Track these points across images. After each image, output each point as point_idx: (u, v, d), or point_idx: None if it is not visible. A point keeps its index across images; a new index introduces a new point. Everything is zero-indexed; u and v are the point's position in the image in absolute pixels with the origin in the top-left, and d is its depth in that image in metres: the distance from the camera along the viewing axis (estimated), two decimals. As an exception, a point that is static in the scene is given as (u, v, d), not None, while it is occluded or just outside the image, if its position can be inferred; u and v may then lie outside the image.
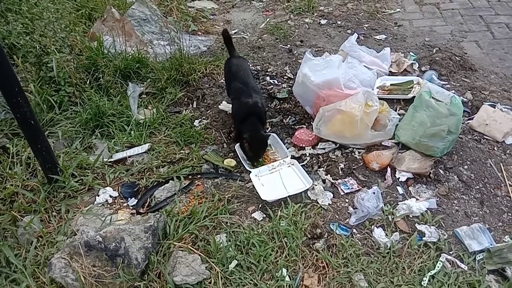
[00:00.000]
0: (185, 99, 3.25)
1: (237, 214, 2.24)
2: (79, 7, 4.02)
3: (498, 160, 2.49)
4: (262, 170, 2.50)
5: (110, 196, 2.39)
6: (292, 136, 2.76)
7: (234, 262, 1.96)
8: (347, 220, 2.19)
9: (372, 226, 2.14)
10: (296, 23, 4.29)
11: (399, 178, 2.40)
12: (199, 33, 4.22)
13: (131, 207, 2.34)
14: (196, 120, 3.04)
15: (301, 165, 2.51)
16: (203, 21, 4.42)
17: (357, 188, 2.35)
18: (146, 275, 1.91)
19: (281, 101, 3.14)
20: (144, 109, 3.12)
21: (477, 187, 2.35)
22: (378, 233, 2.10)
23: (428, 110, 2.43)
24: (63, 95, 2.99)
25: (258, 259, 1.97)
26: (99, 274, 1.84)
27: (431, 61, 3.42)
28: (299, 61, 3.56)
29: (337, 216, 2.22)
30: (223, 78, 3.25)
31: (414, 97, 2.70)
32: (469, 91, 3.05)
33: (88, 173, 2.52)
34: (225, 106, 3.09)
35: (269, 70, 3.53)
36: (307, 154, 2.63)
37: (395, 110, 2.86)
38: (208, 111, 3.12)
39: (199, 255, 1.97)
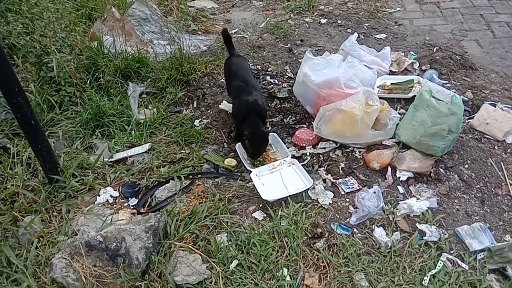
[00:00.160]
0: (186, 99, 3.25)
1: (237, 214, 2.24)
2: (79, 7, 4.02)
3: (498, 159, 2.49)
4: (263, 170, 2.50)
5: (111, 196, 2.39)
6: (293, 136, 2.76)
7: (235, 262, 1.96)
8: (348, 219, 2.19)
9: (373, 226, 2.14)
10: (296, 23, 4.28)
11: (399, 177, 2.40)
12: (199, 32, 4.22)
13: (132, 207, 2.34)
14: (196, 120, 3.04)
15: (302, 165, 2.51)
16: (203, 21, 4.42)
17: (358, 188, 2.35)
18: (147, 275, 1.92)
19: (282, 101, 3.14)
20: (145, 109, 3.12)
21: (478, 186, 2.35)
22: (379, 233, 2.10)
23: (428, 109, 2.43)
24: (64, 95, 2.99)
25: (259, 258, 1.97)
26: (100, 274, 1.84)
27: (432, 60, 3.42)
28: (299, 60, 3.56)
29: (338, 216, 2.22)
30: (223, 78, 3.25)
31: (414, 96, 2.70)
32: (470, 90, 3.05)
33: (89, 173, 2.52)
34: (226, 105, 3.09)
35: (269, 69, 3.53)
36: (308, 154, 2.63)
37: (396, 110, 2.86)
38: (209, 111, 3.12)
39: (200, 255, 1.97)
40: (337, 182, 2.40)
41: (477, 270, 1.93)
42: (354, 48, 3.30)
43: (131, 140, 2.80)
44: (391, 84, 3.11)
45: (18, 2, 3.57)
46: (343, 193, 2.34)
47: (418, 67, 3.39)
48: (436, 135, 2.37)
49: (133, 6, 4.04)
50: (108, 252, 1.88)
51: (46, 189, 2.36)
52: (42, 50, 3.00)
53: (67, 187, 2.38)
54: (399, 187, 2.36)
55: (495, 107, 2.77)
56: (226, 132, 2.90)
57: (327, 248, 2.03)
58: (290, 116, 2.99)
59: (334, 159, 2.56)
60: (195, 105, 3.20)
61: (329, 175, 2.45)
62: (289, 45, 3.88)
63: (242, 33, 4.19)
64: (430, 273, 1.90)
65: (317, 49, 3.79)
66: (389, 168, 2.43)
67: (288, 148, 2.68)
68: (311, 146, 2.67)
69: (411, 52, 3.53)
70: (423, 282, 1.87)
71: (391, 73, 3.31)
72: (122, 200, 2.39)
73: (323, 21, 4.27)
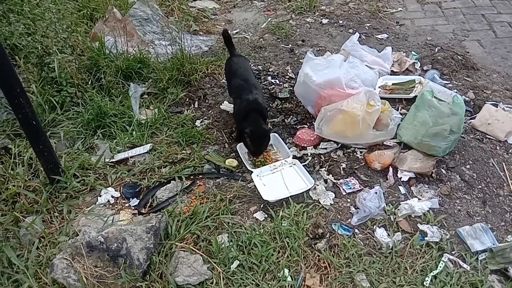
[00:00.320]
0: (187, 99, 3.25)
1: (238, 214, 2.24)
2: (80, 7, 4.03)
3: (500, 159, 2.48)
4: (264, 170, 2.50)
5: (112, 197, 2.40)
6: (294, 136, 2.76)
7: (236, 263, 1.96)
8: (349, 220, 2.18)
9: (374, 226, 2.14)
10: (297, 23, 4.28)
11: (401, 177, 2.39)
12: (201, 33, 4.22)
13: (133, 208, 2.34)
14: (197, 120, 3.04)
15: (303, 165, 2.50)
16: (205, 21, 4.42)
17: (359, 188, 2.35)
18: (148, 276, 1.92)
19: (283, 101, 3.14)
20: (146, 109, 3.13)
21: (480, 186, 2.34)
22: (380, 233, 2.10)
23: (430, 109, 2.42)
24: (65, 95, 3.00)
25: (260, 259, 1.97)
26: (101, 274, 1.84)
27: (433, 60, 3.42)
28: (300, 60, 3.56)
29: (339, 216, 2.21)
30: (225, 78, 3.25)
31: (416, 96, 2.70)
32: (471, 90, 3.04)
33: (90, 173, 2.52)
34: (227, 106, 3.09)
35: (270, 70, 3.53)
36: (309, 154, 2.63)
37: (397, 110, 2.85)
38: (210, 111, 3.12)
39: (201, 255, 1.97)
40: (338, 183, 2.39)
41: (479, 271, 1.92)
42: (356, 48, 3.29)
43: (132, 140, 2.81)
44: (393, 84, 3.10)
45: (20, 3, 3.58)
46: (344, 193, 2.34)
47: (419, 67, 3.38)
48: (438, 136, 2.37)
49: (135, 7, 4.05)
50: (109, 252, 1.88)
51: (47, 190, 2.36)
52: (43, 50, 3.01)
53: (68, 188, 2.38)
54: (400, 187, 2.35)
55: (497, 107, 2.76)
56: (227, 132, 2.90)
57: (328, 249, 2.03)
58: (291, 116, 2.99)
59: (335, 159, 2.56)
60: (196, 106, 3.20)
61: (330, 175, 2.45)
62: (290, 45, 3.88)
63: (244, 33, 4.19)
64: (432, 273, 1.90)
65: (318, 49, 3.79)
66: (391, 169, 2.43)
67: (289, 148, 2.68)
68: (312, 147, 2.67)
69: (413, 52, 3.52)
70: (424, 283, 1.87)
71: (393, 73, 3.31)
72: (123, 201, 2.40)
73: (325, 21, 4.27)
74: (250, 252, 2.01)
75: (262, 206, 2.29)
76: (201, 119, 3.05)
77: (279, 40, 3.99)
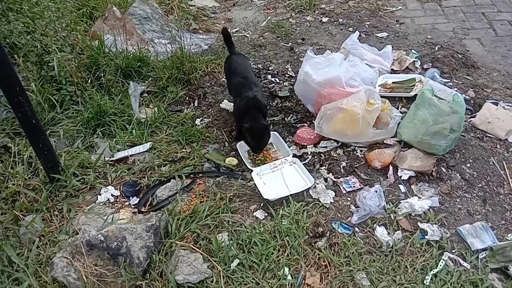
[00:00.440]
0: (187, 98, 3.24)
1: (238, 213, 2.24)
2: (80, 6, 4.02)
3: (500, 158, 2.48)
4: (264, 169, 2.50)
5: (112, 195, 2.39)
6: (294, 135, 2.75)
7: (236, 261, 1.96)
8: (349, 218, 2.18)
9: (374, 225, 2.13)
10: (297, 21, 4.27)
11: (401, 176, 2.39)
12: (200, 31, 4.21)
13: (133, 206, 2.34)
14: (197, 119, 3.03)
15: (303, 164, 2.50)
16: (204, 20, 4.41)
17: (359, 187, 2.35)
18: (148, 274, 1.91)
19: (283, 100, 3.13)
20: (146, 108, 3.12)
21: (480, 185, 2.34)
22: (380, 232, 2.10)
23: (430, 108, 2.42)
24: (65, 94, 2.99)
25: (260, 258, 1.97)
26: (101, 273, 1.84)
27: (433, 58, 3.41)
28: (300, 59, 3.55)
29: (339, 215, 2.21)
30: (224, 77, 3.25)
31: (416, 95, 2.70)
32: (472, 89, 3.04)
33: (90, 172, 2.52)
34: (227, 104, 3.09)
35: (270, 68, 3.53)
36: (309, 153, 2.63)
37: (397, 108, 2.85)
38: (210, 110, 3.12)
39: (201, 254, 1.97)
40: (339, 181, 2.39)
41: (479, 269, 1.92)
42: (356, 46, 3.29)
43: (132, 139, 2.80)
44: (393, 82, 3.10)
45: (19, 2, 3.57)
46: (344, 192, 2.34)
47: (419, 65, 3.38)
48: (438, 134, 2.36)
49: (134, 5, 4.04)
50: (109, 251, 1.87)
51: (47, 188, 2.36)
52: (43, 49, 3.00)
53: (68, 186, 2.38)
54: (400, 186, 2.35)
55: (497, 105, 2.76)
56: (227, 131, 2.90)
57: (328, 247, 2.03)
58: (291, 115, 2.98)
59: (335, 158, 2.56)
60: (196, 104, 3.20)
61: (331, 174, 2.45)
62: (290, 43, 3.88)
63: (243, 32, 4.18)
64: (432, 272, 1.90)
65: (318, 47, 3.78)
66: (391, 167, 2.43)
67: (289, 147, 2.68)
68: (312, 145, 2.67)
69: (413, 51, 3.52)
70: (424, 281, 1.87)
71: (393, 71, 3.31)
72: (123, 199, 2.39)
73: (325, 19, 4.26)
74: (250, 251, 2.01)
75: (262, 204, 2.28)
76: (201, 118, 3.05)
77: (279, 38, 3.99)
